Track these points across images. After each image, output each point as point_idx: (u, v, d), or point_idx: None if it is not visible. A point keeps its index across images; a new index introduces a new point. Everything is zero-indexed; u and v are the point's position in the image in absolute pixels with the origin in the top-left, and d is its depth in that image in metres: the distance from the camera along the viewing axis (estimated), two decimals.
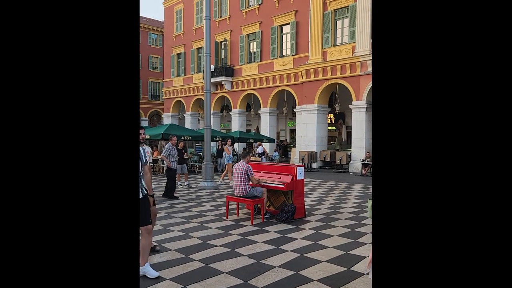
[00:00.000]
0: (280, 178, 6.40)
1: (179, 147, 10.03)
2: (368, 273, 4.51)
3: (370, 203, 3.70)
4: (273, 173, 6.59)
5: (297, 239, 4.99)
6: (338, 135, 21.78)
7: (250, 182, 6.09)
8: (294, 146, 19.73)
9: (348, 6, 16.12)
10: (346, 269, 3.82)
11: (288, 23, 19.25)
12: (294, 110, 19.02)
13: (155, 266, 3.81)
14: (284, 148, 22.30)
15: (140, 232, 3.53)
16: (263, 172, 6.77)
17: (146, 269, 3.53)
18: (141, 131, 3.92)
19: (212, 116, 21.26)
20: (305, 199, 7.06)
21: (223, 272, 3.69)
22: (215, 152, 15.83)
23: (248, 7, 21.40)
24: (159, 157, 14.29)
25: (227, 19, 22.74)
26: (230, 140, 13.30)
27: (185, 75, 26.66)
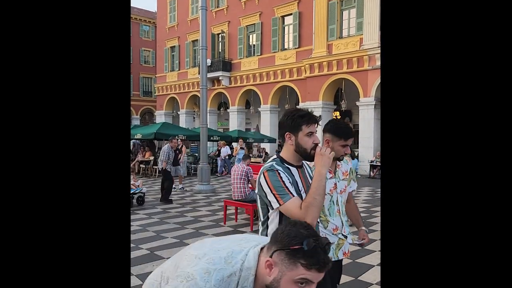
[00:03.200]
0: None
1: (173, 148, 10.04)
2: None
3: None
4: None
5: None
6: None
7: (250, 185, 6.10)
8: None
9: None
10: (353, 278, 3.82)
11: (291, 14, 19.24)
12: (297, 107, 18.98)
13: (147, 275, 3.80)
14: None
15: None
16: None
17: None
18: (349, 142, 2.34)
19: (208, 114, 21.14)
20: None
21: None
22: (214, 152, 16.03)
23: None
24: (151, 158, 14.30)
25: (225, 9, 22.73)
26: (241, 140, 13.31)
27: (179, 70, 26.64)
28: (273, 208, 1.72)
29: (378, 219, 6.72)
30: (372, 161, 14.71)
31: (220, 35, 23.29)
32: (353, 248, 4.88)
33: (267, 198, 1.72)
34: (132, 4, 49.06)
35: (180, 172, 10.73)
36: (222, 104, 24.37)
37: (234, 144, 17.67)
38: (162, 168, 8.73)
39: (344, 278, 3.81)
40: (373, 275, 3.89)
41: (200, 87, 10.59)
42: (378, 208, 7.84)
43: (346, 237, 2.29)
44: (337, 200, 2.28)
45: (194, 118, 27.08)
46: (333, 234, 2.21)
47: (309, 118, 1.76)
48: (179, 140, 9.45)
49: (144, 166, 14.56)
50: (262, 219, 1.81)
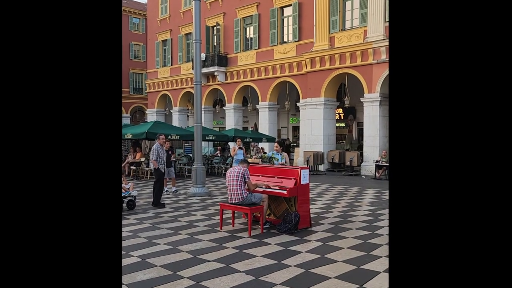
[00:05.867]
0: (281, 182, 6.40)
1: (165, 148, 10.01)
2: None
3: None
4: (274, 177, 6.60)
5: (302, 252, 4.99)
6: (348, 132, 21.81)
7: (246, 187, 6.10)
8: (298, 146, 19.74)
9: None
10: (358, 286, 3.82)
11: (290, 5, 19.25)
12: (297, 104, 19.03)
13: (139, 284, 3.81)
14: (286, 148, 22.30)
15: None
16: (262, 176, 6.77)
17: None
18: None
19: (203, 112, 21.18)
20: (310, 206, 7.07)
21: None
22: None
23: None
24: (142, 159, 14.28)
25: (220, 0, 22.72)
26: (240, 140, 13.28)
27: (171, 65, 26.62)
28: None
29: (383, 223, 6.73)
30: (377, 161, 14.73)
31: (215, 28, 23.28)
32: (357, 254, 4.91)
33: None
34: None
35: (173, 174, 10.72)
36: (217, 101, 24.36)
37: (231, 144, 17.68)
38: (154, 168, 8.72)
39: (348, 286, 3.82)
40: (379, 282, 3.89)
41: (194, 83, 10.58)
42: (384, 211, 7.86)
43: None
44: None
45: (188, 116, 27.05)
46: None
47: None
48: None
49: (134, 167, 14.54)
50: None
